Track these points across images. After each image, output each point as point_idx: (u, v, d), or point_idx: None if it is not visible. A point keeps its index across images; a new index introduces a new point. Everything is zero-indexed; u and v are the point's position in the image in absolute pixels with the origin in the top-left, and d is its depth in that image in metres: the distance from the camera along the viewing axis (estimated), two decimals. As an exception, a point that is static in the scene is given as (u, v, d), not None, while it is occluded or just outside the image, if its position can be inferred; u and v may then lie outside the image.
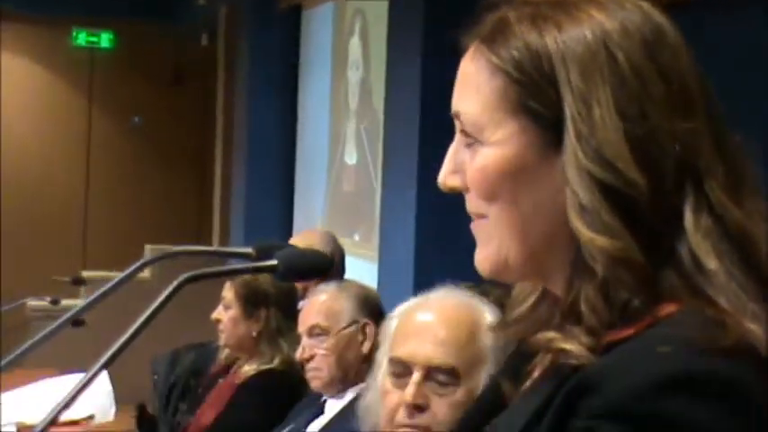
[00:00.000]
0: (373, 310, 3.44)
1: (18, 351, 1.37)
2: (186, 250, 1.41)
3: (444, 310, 2.01)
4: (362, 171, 5.76)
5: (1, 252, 8.62)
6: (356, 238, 5.67)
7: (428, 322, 2.03)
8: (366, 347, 3.39)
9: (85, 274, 8.21)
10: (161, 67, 9.09)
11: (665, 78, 1.12)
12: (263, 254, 1.33)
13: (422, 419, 1.95)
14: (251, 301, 4.00)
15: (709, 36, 3.27)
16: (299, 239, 4.98)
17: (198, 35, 9.10)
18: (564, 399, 1.04)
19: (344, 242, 5.06)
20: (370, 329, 3.38)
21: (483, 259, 1.20)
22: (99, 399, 4.46)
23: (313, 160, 6.92)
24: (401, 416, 1.98)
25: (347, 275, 4.95)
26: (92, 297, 1.37)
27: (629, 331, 1.06)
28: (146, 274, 8.54)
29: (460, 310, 2.02)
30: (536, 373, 1.20)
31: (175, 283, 1.22)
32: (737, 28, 3.60)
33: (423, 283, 4.10)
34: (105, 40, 9.06)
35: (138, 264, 1.32)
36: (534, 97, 1.13)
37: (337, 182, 6.32)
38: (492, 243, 1.18)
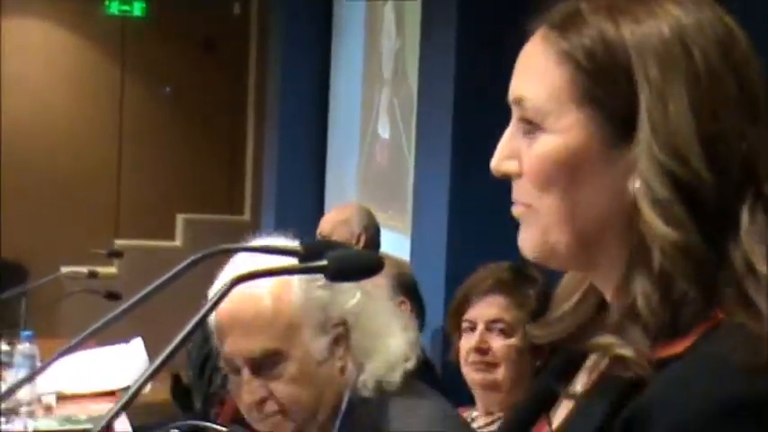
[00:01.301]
0: (409, 287, 3.46)
1: (91, 329, 1.39)
2: (231, 248, 1.42)
3: (239, 302, 1.95)
4: (396, 145, 5.75)
5: (34, 220, 8.69)
6: (389, 212, 5.66)
7: (231, 319, 1.99)
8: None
9: (118, 242, 8.29)
10: (193, 36, 9.09)
11: (736, 79, 1.12)
12: (313, 252, 1.34)
13: (270, 407, 1.96)
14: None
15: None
16: (336, 213, 5.00)
17: (230, 4, 9.10)
18: (622, 429, 1.05)
19: (377, 215, 5.08)
20: (405, 307, 3.39)
21: (527, 242, 1.20)
22: (135, 370, 4.51)
23: (345, 130, 6.91)
24: (255, 413, 1.99)
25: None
26: (153, 284, 1.38)
27: (680, 347, 1.07)
28: (176, 242, 8.62)
29: (253, 295, 1.96)
30: (587, 376, 1.21)
31: (228, 283, 1.24)
32: None
33: (455, 259, 4.13)
34: (138, 8, 9.06)
35: (187, 261, 1.33)
36: (604, 87, 1.13)
37: (370, 154, 6.31)
38: (538, 228, 1.18)
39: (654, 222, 1.09)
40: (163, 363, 1.19)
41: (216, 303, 1.25)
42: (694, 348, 1.06)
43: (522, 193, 1.19)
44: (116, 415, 1.16)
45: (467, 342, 2.82)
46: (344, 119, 6.96)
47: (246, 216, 8.94)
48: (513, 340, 2.78)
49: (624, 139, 1.13)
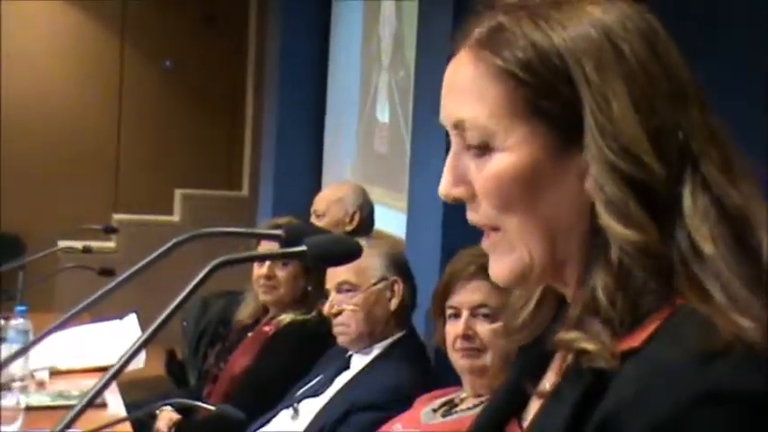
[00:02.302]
0: (401, 267, 3.47)
1: (81, 305, 1.41)
2: (217, 231, 1.44)
3: None
4: (394, 130, 5.76)
5: (32, 195, 8.70)
6: (386, 190, 5.68)
7: None
8: (394, 304, 3.43)
9: (116, 217, 8.31)
10: (193, 11, 9.07)
11: (665, 71, 1.14)
12: (294, 237, 1.35)
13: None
14: None
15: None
16: (331, 191, 5.02)
17: (231, -21, 9.09)
18: None
19: (374, 191, 5.09)
20: (398, 287, 3.42)
21: (503, 270, 1.20)
22: (129, 346, 4.52)
23: (343, 110, 6.91)
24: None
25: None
26: (135, 268, 1.40)
27: (638, 339, 1.07)
28: (174, 217, 8.64)
29: None
30: (555, 373, 1.22)
31: (208, 267, 1.25)
32: None
33: (451, 238, 4.14)
34: (138, -18, 9.04)
35: (168, 244, 1.34)
36: (546, 97, 1.13)
37: (368, 136, 6.31)
38: (514, 253, 1.17)
39: (610, 224, 1.10)
40: (145, 342, 1.21)
41: (197, 286, 1.26)
42: (653, 341, 1.07)
43: (483, 216, 1.18)
44: (100, 390, 1.17)
45: (452, 329, 2.83)
46: (343, 99, 6.97)
47: (245, 192, 8.95)
48: (498, 324, 2.79)
49: (573, 143, 1.13)
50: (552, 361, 1.24)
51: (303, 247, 1.29)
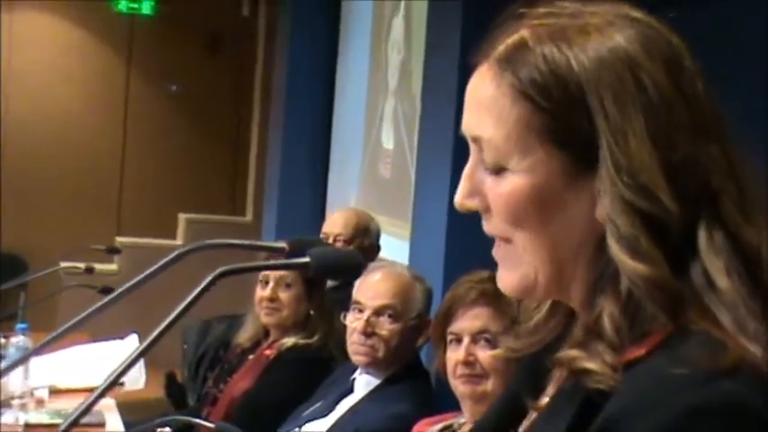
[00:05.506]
0: (430, 307, 3.46)
1: (72, 321, 1.41)
2: (221, 243, 1.44)
3: None
4: (399, 156, 5.77)
5: (36, 215, 8.70)
6: (389, 218, 5.68)
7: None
8: (419, 342, 3.41)
9: (120, 240, 8.30)
10: (201, 36, 9.11)
11: (687, 103, 1.12)
12: (297, 249, 1.35)
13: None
14: (313, 280, 4.01)
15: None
16: (339, 215, 5.03)
17: (239, 5, 9.13)
18: None
19: (378, 219, 5.10)
20: (426, 328, 3.37)
21: (511, 282, 1.20)
22: (130, 354, 4.51)
23: (349, 137, 6.92)
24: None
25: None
26: (135, 279, 1.40)
27: (642, 350, 1.07)
28: (178, 241, 8.64)
29: None
30: (552, 389, 1.22)
31: (210, 277, 1.25)
32: None
33: (452, 266, 4.14)
34: (146, 6, 9.08)
35: (172, 255, 1.34)
36: (563, 125, 1.12)
37: (372, 163, 6.32)
38: (521, 267, 1.18)
39: (621, 257, 1.09)
40: (141, 353, 1.21)
41: (197, 297, 1.26)
42: (657, 352, 1.07)
43: (495, 228, 1.19)
44: (91, 405, 1.16)
45: (453, 355, 2.82)
46: (348, 126, 6.98)
47: (248, 217, 8.95)
48: (499, 350, 2.77)
49: (587, 168, 1.12)
50: (551, 376, 1.24)
51: (306, 259, 1.29)
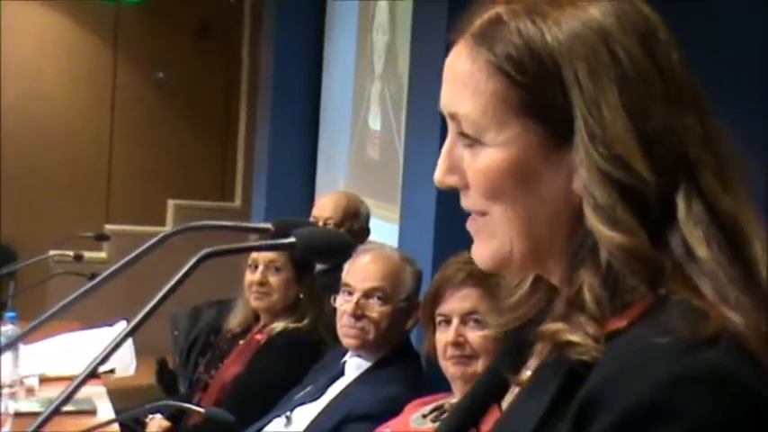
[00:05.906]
0: (420, 289, 3.45)
1: (60, 305, 1.40)
2: (206, 225, 1.43)
3: None
4: (387, 139, 5.76)
5: (25, 204, 8.68)
6: (378, 201, 5.68)
7: None
8: (409, 325, 3.41)
9: (108, 227, 8.29)
10: (187, 22, 9.09)
11: (661, 74, 1.13)
12: (283, 230, 1.34)
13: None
14: (303, 264, 4.01)
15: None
16: (328, 199, 5.03)
17: (225, -9, 9.11)
18: (575, 418, 1.05)
19: (366, 203, 5.10)
20: (415, 310, 3.37)
21: (485, 255, 1.21)
22: (120, 354, 4.50)
23: (337, 121, 6.91)
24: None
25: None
26: (120, 263, 1.40)
27: (624, 321, 1.08)
28: (167, 228, 8.62)
29: None
30: (534, 363, 1.22)
31: (194, 259, 1.24)
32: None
33: (442, 248, 4.14)
34: (132, -7, 9.06)
35: (156, 238, 1.34)
36: (538, 98, 1.13)
37: (360, 145, 6.32)
38: (495, 239, 1.19)
39: (598, 227, 1.10)
40: (125, 337, 1.20)
41: (183, 279, 1.25)
42: (638, 322, 1.07)
43: (472, 203, 1.20)
44: (75, 390, 1.16)
45: (443, 336, 2.82)
46: (336, 110, 6.97)
47: (237, 203, 8.94)
48: (488, 330, 2.78)
49: (564, 142, 1.13)
50: (533, 351, 1.24)
51: (292, 239, 1.28)
